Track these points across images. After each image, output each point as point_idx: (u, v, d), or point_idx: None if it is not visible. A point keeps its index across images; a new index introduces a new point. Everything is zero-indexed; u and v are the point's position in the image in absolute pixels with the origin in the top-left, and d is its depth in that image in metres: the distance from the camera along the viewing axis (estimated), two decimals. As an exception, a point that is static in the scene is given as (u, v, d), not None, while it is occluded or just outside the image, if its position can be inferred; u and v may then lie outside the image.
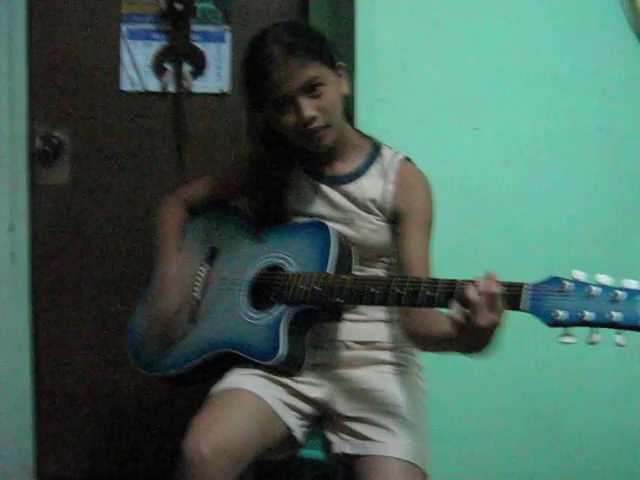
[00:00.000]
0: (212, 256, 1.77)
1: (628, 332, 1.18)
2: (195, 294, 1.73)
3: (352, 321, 1.66)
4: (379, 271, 1.68)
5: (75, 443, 2.44)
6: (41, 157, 2.35)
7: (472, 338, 1.29)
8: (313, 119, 1.55)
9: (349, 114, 1.74)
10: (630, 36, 2.18)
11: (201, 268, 1.75)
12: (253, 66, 1.57)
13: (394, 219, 1.65)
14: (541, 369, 2.20)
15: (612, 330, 1.18)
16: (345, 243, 1.61)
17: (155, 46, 2.35)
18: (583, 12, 2.18)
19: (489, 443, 2.23)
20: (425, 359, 1.74)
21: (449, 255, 2.00)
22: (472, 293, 1.27)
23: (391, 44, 2.15)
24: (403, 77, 2.16)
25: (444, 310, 1.36)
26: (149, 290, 1.76)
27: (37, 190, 2.36)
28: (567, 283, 1.22)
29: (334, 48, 1.65)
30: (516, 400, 2.23)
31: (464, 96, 2.17)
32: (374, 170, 1.67)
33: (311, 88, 1.55)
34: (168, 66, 2.36)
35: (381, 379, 1.64)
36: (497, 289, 1.26)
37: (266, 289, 1.62)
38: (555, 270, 1.27)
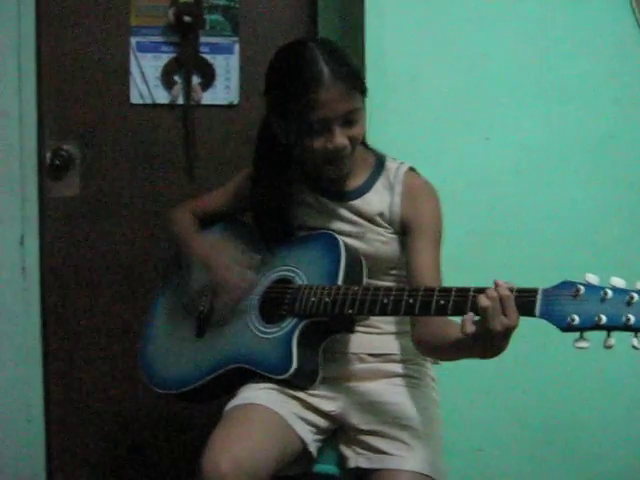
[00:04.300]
0: None
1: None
2: (202, 308, 1.71)
3: (365, 333, 1.65)
4: (389, 284, 1.66)
5: (87, 456, 2.43)
6: (51, 170, 2.34)
7: (487, 343, 1.28)
8: (344, 148, 1.55)
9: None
10: (642, 44, 2.18)
11: (207, 282, 1.72)
12: (297, 79, 1.52)
13: (403, 231, 1.64)
14: (557, 380, 2.19)
15: (628, 333, 1.16)
16: (355, 255, 1.60)
17: (164, 58, 2.35)
18: (594, 20, 2.18)
19: (504, 455, 2.22)
20: (438, 371, 1.73)
21: (460, 264, 1.99)
22: (484, 300, 1.27)
23: (401, 54, 2.15)
24: (413, 87, 2.15)
25: (456, 318, 1.35)
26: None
27: (47, 203, 2.36)
28: (581, 287, 1.20)
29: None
30: (531, 412, 2.22)
31: (475, 106, 2.17)
32: (379, 184, 1.66)
33: (348, 118, 1.54)
34: (177, 78, 2.36)
35: (395, 392, 1.63)
36: (508, 292, 1.26)
37: (276, 302, 1.60)
38: (567, 279, 1.26)
